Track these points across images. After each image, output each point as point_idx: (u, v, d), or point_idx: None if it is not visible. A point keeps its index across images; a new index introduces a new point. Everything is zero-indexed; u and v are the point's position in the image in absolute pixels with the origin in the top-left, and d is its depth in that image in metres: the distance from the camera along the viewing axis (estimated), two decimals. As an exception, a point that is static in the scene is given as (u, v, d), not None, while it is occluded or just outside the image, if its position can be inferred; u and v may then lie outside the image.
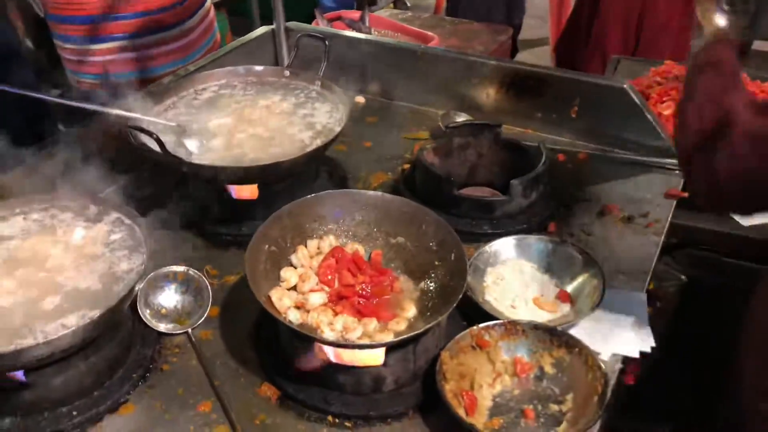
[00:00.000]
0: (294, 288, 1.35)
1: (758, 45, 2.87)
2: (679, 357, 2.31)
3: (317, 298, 1.30)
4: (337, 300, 1.31)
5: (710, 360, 2.18)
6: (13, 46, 2.59)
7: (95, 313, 1.17)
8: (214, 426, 1.23)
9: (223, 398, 1.27)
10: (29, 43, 3.10)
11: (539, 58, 4.55)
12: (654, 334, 2.27)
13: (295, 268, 1.38)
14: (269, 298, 1.30)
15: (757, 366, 1.43)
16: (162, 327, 1.40)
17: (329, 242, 1.42)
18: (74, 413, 1.24)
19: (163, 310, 1.43)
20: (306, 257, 1.39)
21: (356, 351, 1.21)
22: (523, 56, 4.77)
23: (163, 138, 1.46)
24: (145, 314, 1.40)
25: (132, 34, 2.26)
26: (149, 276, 1.43)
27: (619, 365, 1.33)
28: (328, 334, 1.24)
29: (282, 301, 1.29)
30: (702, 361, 2.24)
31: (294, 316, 1.28)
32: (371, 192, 1.47)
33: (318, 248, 1.42)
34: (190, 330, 1.40)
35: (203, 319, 1.42)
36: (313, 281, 1.34)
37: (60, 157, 1.51)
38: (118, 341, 1.32)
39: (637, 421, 2.43)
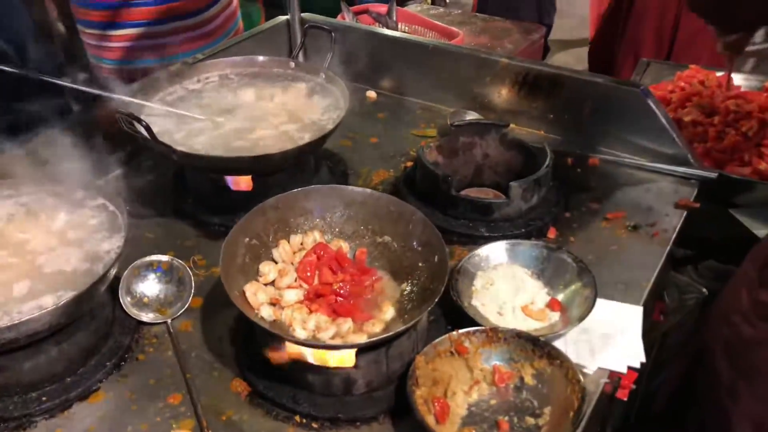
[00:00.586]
0: (272, 283, 1.32)
1: None
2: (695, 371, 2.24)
3: (292, 295, 1.27)
4: (314, 298, 1.28)
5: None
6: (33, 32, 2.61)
7: (64, 299, 1.16)
8: (180, 419, 1.21)
9: (193, 392, 1.24)
10: (61, 27, 3.13)
11: (578, 59, 4.46)
12: (670, 346, 2.20)
13: (276, 263, 1.36)
14: (243, 293, 1.27)
15: None
16: (142, 316, 1.39)
17: (313, 238, 1.39)
18: (44, 398, 1.24)
19: (146, 299, 1.42)
20: (288, 252, 1.36)
21: (326, 351, 1.18)
22: (559, 57, 4.68)
23: (155, 125, 1.44)
24: (126, 302, 1.39)
25: (151, 20, 2.27)
26: (133, 264, 1.42)
27: (604, 380, 1.27)
28: (300, 333, 1.21)
29: (256, 296, 1.26)
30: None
31: (267, 313, 1.25)
32: (359, 188, 1.43)
33: (301, 244, 1.39)
34: (169, 320, 1.38)
35: (184, 310, 1.40)
36: (291, 277, 1.31)
37: (64, 140, 1.50)
38: (94, 328, 1.31)
39: None
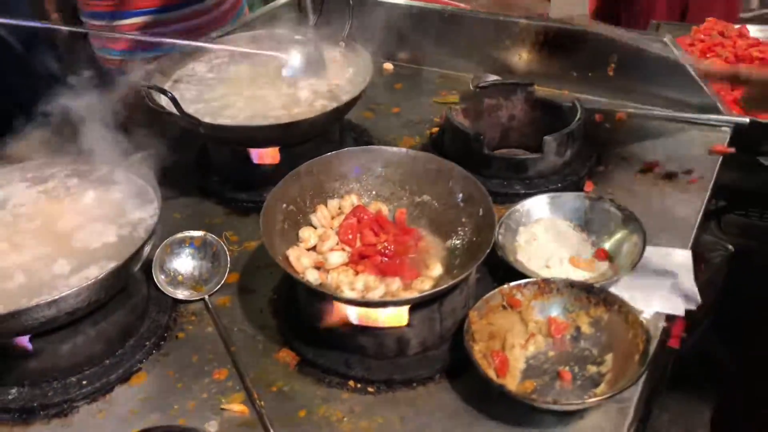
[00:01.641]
0: (313, 249, 1.28)
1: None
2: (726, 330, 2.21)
3: (337, 258, 1.23)
4: (359, 260, 1.24)
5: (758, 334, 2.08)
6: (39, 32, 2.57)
7: (102, 273, 1.11)
8: (229, 394, 1.17)
9: (240, 365, 1.20)
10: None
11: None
12: (699, 305, 2.17)
13: (315, 228, 1.31)
14: (286, 257, 1.23)
15: None
16: (178, 294, 1.35)
17: (351, 202, 1.35)
18: (84, 382, 1.19)
19: (180, 277, 1.37)
20: (326, 217, 1.32)
21: (378, 310, 1.14)
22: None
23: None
24: (160, 280, 1.34)
25: (157, 9, 2.22)
26: (165, 241, 1.38)
27: (662, 323, 1.23)
28: (349, 294, 1.16)
29: (300, 261, 1.22)
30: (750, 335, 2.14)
31: (313, 277, 1.21)
32: (394, 148, 1.39)
33: (339, 208, 1.35)
34: (206, 297, 1.34)
35: (220, 285, 1.36)
36: (333, 241, 1.27)
37: (85, 121, 1.47)
38: (130, 308, 1.27)
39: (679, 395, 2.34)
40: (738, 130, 1.71)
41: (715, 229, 2.23)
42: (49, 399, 1.17)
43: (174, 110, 1.42)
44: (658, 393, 1.98)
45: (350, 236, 1.28)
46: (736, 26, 2.13)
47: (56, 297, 1.07)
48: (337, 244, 1.27)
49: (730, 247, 2.10)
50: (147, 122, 1.53)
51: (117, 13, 2.20)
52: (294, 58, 1.65)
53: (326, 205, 1.34)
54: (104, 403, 1.18)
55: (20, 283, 1.15)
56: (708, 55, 1.95)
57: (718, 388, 2.30)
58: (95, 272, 1.14)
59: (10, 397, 1.17)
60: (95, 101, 1.62)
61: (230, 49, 1.70)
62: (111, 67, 2.30)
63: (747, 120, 1.70)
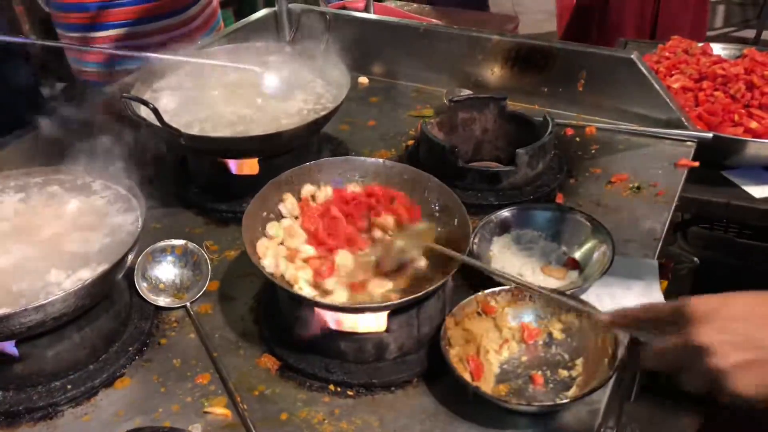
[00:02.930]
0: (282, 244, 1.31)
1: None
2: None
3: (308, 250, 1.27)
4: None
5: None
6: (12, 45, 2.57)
7: (87, 278, 1.14)
8: (212, 397, 1.20)
9: (222, 370, 1.23)
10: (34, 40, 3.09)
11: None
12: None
13: (283, 217, 1.35)
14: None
15: None
16: (159, 301, 1.37)
17: (325, 193, 1.38)
18: (68, 387, 1.21)
19: (161, 285, 1.40)
20: (294, 206, 1.35)
21: (358, 316, 1.17)
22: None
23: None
24: (142, 287, 1.37)
25: (133, 21, 2.24)
26: (147, 249, 1.40)
27: (630, 331, 1.28)
28: (320, 298, 1.19)
29: (267, 251, 1.26)
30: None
31: (269, 263, 1.24)
32: (372, 159, 1.43)
33: (312, 197, 1.39)
34: (188, 304, 1.37)
35: (202, 292, 1.39)
36: (301, 238, 1.30)
37: (63, 132, 1.48)
38: (114, 314, 1.29)
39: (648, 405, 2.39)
40: (702, 145, 1.78)
41: (681, 242, 2.29)
42: (34, 403, 1.19)
43: (154, 121, 1.45)
44: (627, 402, 2.03)
45: (313, 228, 1.30)
46: (700, 44, 2.21)
47: (43, 302, 1.09)
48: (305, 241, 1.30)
49: (696, 259, 2.16)
50: (125, 133, 1.55)
51: (92, 25, 2.21)
52: (270, 78, 1.68)
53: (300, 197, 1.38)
54: (89, 407, 1.20)
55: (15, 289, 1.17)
56: (673, 73, 2.02)
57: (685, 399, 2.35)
58: (83, 277, 1.17)
59: (-5, 400, 1.19)
60: (72, 112, 1.65)
61: (206, 62, 1.72)
62: (87, 79, 2.32)
63: (710, 135, 1.77)
